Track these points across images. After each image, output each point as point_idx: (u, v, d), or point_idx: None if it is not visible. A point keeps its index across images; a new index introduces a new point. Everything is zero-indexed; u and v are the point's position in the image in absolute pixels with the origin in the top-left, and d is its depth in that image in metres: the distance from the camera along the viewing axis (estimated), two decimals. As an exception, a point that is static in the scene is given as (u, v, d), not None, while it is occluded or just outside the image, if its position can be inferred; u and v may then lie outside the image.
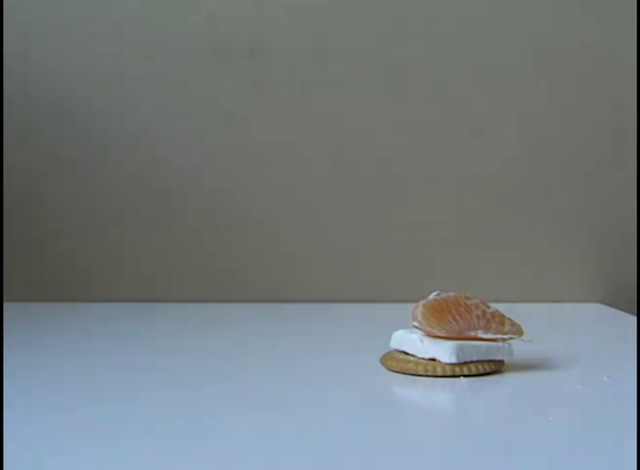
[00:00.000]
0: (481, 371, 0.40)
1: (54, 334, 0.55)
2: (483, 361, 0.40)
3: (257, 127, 0.69)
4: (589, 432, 0.32)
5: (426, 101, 0.69)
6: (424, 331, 0.40)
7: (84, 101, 0.70)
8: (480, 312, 0.40)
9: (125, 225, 0.70)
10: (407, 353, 0.41)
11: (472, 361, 0.40)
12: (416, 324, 0.40)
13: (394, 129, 0.69)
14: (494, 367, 0.40)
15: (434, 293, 0.41)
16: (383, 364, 0.42)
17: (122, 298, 0.69)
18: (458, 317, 0.40)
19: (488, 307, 0.41)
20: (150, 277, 0.70)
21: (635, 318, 0.60)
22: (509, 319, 0.41)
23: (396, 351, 0.42)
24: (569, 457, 0.29)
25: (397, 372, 0.41)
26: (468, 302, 0.41)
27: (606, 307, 0.67)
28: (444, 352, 0.39)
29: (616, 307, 0.66)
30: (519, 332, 0.41)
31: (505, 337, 0.41)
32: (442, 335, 0.40)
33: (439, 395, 0.39)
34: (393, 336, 0.42)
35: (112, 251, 0.70)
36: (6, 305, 0.61)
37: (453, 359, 0.39)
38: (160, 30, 0.69)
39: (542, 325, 0.55)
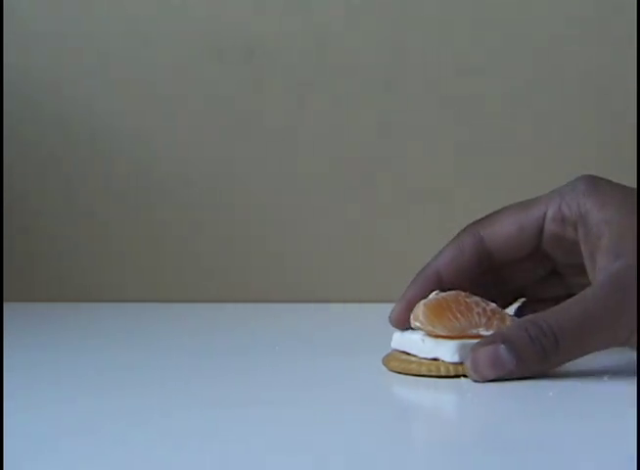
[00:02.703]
0: None
1: (53, 334, 0.55)
2: None
3: (257, 127, 0.69)
4: (589, 432, 0.32)
5: (426, 101, 0.69)
6: (425, 330, 0.40)
7: (84, 100, 0.70)
8: (480, 310, 0.40)
9: (125, 225, 0.70)
10: (409, 354, 0.41)
11: None
12: (417, 324, 0.40)
13: (395, 130, 0.70)
14: None
15: (434, 292, 0.41)
16: (385, 365, 0.41)
17: (122, 298, 0.69)
18: (459, 315, 0.40)
19: (488, 304, 0.41)
20: (150, 277, 0.70)
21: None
22: (510, 316, 0.41)
23: (398, 351, 0.42)
24: (568, 458, 0.29)
25: (400, 373, 0.40)
26: (468, 299, 0.40)
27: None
28: (447, 351, 0.39)
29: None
30: None
31: None
32: (444, 334, 0.39)
33: (439, 395, 0.39)
34: (394, 336, 0.42)
35: (112, 250, 0.70)
36: (6, 306, 0.61)
37: (456, 358, 0.39)
38: (160, 30, 0.69)
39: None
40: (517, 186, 0.70)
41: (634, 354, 0.44)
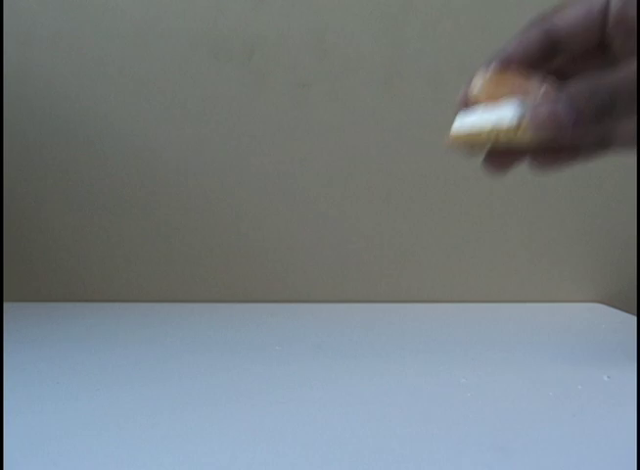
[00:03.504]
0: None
1: (54, 334, 0.55)
2: None
3: (257, 127, 0.70)
4: (589, 432, 0.32)
5: (426, 101, 0.69)
6: (484, 99, 0.40)
7: (84, 100, 0.70)
8: (538, 80, 0.40)
9: (125, 225, 0.70)
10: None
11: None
12: (476, 92, 0.40)
13: (395, 130, 0.70)
14: None
15: (491, 67, 0.41)
16: (452, 144, 0.41)
17: (122, 298, 0.69)
18: (517, 84, 0.40)
19: (546, 78, 0.40)
20: (150, 277, 0.70)
21: (635, 318, 0.60)
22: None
23: (459, 132, 0.41)
24: (568, 458, 0.29)
25: (465, 142, 0.40)
26: (525, 72, 0.40)
27: (606, 307, 0.67)
28: (508, 109, 0.39)
29: (616, 307, 0.66)
30: None
31: None
32: (504, 93, 0.39)
33: (439, 395, 0.39)
34: (455, 124, 0.41)
35: (112, 250, 0.70)
36: (6, 306, 0.61)
37: (518, 112, 0.38)
38: (160, 30, 0.69)
39: (542, 325, 0.55)
40: (517, 186, 0.70)
41: (634, 354, 0.44)
